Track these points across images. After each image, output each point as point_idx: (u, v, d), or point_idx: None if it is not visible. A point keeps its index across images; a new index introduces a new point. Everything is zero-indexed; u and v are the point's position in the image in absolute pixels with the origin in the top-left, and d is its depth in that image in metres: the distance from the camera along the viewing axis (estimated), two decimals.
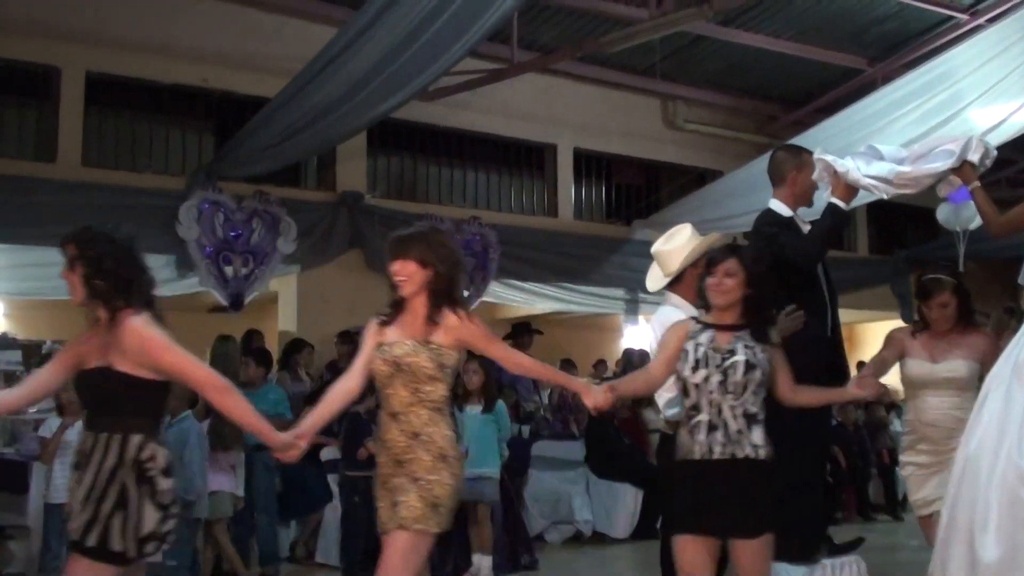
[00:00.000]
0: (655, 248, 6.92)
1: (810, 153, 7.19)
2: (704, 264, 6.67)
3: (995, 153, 6.77)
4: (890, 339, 6.92)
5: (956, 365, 6.60)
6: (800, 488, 5.98)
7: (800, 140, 11.77)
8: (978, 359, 6.54)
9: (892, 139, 10.89)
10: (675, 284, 6.79)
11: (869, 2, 15.37)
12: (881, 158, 6.86)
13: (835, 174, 6.86)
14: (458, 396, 10.61)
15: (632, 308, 17.50)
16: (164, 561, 8.22)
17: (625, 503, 13.40)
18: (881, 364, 6.78)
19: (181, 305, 14.10)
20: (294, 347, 12.99)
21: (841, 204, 6.88)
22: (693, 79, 17.83)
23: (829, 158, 6.88)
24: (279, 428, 11.05)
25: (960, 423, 6.11)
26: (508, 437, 11.07)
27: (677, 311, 6.55)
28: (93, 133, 13.83)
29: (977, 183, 6.59)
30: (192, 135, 14.90)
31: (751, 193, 10.91)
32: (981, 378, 6.15)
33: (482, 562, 10.54)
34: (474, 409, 10.57)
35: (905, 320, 13.86)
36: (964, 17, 15.28)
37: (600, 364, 17.15)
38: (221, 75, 14.20)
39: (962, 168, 6.59)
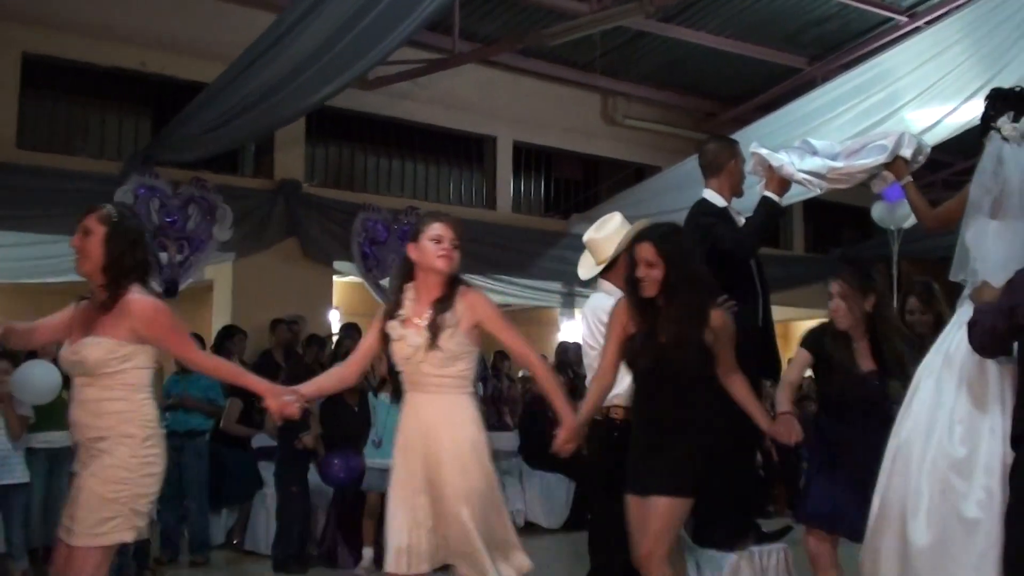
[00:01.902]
0: (587, 236, 6.99)
1: (739, 144, 7.27)
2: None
3: (928, 150, 6.84)
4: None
5: (79, 347, 5.27)
6: (729, 477, 6.00)
7: (737, 137, 11.80)
8: (135, 338, 5.26)
9: (828, 137, 10.86)
10: (607, 271, 6.85)
11: (810, 2, 15.44)
12: (815, 153, 6.93)
13: (769, 168, 6.92)
14: (370, 382, 10.65)
15: (568, 301, 17.55)
16: None
17: (557, 494, 13.48)
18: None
19: None
20: (227, 333, 12.91)
21: (775, 198, 6.95)
22: (633, 75, 17.86)
23: (764, 152, 6.95)
24: (211, 414, 11.12)
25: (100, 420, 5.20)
26: None
27: (609, 298, 6.60)
28: (29, 115, 13.67)
29: (909, 178, 6.64)
30: (129, 119, 14.77)
31: (688, 188, 10.90)
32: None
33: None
34: (386, 396, 10.49)
35: None
36: (903, 19, 15.40)
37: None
38: (160, 59, 14.05)
39: (895, 163, 6.65)
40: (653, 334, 5.82)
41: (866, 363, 6.45)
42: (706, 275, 5.91)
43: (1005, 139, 5.80)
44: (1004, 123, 5.83)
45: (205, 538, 11.01)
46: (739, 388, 6.08)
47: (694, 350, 5.77)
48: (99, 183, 12.90)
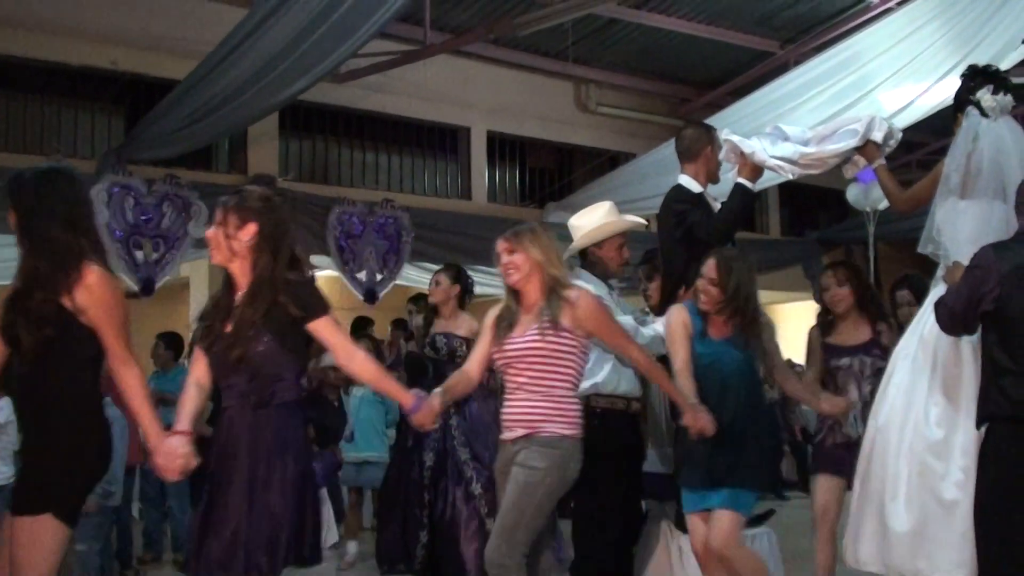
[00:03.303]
0: (569, 220, 7.05)
1: (716, 131, 7.29)
2: (618, 245, 6.81)
3: (899, 134, 6.87)
4: None
5: None
6: None
7: (711, 122, 11.84)
8: None
9: (802, 121, 10.99)
10: (585, 261, 6.90)
11: None
12: (787, 139, 6.95)
13: (741, 155, 6.94)
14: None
15: None
16: (74, 545, 8.16)
17: None
18: None
19: None
20: None
21: (748, 184, 6.96)
22: (605, 62, 17.87)
23: (736, 139, 6.97)
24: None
25: None
26: (397, 420, 10.13)
27: (587, 287, 6.64)
28: (0, 116, 13.67)
29: (881, 161, 6.67)
30: (102, 118, 14.72)
31: (663, 175, 10.94)
32: None
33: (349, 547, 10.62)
34: (360, 390, 10.49)
35: (817, 301, 14.07)
36: (875, 0, 15.41)
37: None
38: (131, 57, 14.01)
39: (866, 147, 6.68)
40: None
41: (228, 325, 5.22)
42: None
43: (984, 114, 5.83)
44: (984, 95, 5.86)
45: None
46: (130, 387, 5.04)
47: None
48: None
